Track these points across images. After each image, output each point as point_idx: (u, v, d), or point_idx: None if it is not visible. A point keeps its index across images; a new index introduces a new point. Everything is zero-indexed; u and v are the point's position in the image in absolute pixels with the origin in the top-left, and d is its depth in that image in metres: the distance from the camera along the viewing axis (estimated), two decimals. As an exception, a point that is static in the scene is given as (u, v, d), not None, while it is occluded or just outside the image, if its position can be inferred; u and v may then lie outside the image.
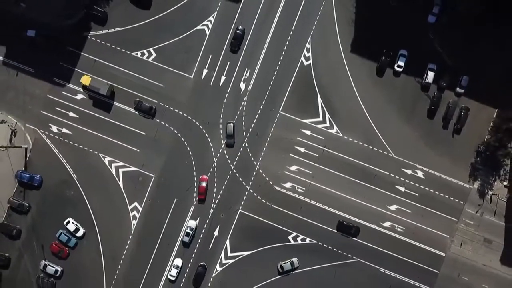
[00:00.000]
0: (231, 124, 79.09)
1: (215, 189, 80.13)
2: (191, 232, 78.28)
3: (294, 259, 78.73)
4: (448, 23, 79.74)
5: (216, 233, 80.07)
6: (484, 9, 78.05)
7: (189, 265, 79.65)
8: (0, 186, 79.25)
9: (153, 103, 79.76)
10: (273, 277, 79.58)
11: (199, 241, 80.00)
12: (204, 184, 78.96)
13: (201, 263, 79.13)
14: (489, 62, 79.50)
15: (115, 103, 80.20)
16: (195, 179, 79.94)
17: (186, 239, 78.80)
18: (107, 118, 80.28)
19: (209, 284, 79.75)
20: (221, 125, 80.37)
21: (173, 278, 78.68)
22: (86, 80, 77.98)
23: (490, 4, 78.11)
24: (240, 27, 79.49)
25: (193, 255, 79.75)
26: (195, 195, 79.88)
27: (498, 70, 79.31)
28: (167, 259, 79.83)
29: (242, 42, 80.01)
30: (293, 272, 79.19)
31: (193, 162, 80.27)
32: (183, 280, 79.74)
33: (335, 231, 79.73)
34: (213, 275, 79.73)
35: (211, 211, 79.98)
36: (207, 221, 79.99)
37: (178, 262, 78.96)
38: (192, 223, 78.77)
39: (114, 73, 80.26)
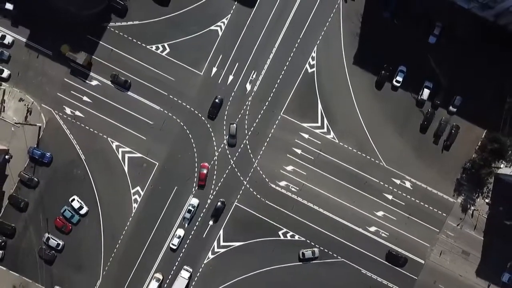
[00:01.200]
0: (234, 125, 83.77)
1: (213, 181, 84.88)
2: (192, 209, 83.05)
3: (316, 249, 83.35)
4: (447, 45, 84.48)
5: (211, 222, 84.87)
6: (481, 36, 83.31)
7: (183, 250, 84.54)
8: (13, 160, 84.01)
9: (128, 77, 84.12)
10: (262, 268, 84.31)
11: (194, 228, 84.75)
12: (205, 171, 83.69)
13: (221, 199, 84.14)
14: (483, 86, 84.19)
15: (129, 92, 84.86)
16: (196, 170, 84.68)
17: (188, 215, 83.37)
18: (119, 105, 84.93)
19: (200, 270, 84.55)
20: (225, 122, 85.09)
21: (174, 247, 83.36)
22: (64, 48, 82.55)
23: (486, 32, 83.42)
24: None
25: (187, 241, 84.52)
26: (194, 184, 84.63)
27: (490, 94, 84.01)
28: (164, 240, 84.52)
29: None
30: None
31: (196, 154, 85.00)
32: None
33: (323, 230, 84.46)
34: (204, 261, 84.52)
35: (209, 201, 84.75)
36: (204, 211, 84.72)
37: (180, 232, 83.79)
38: (195, 201, 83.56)
39: (129, 63, 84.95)
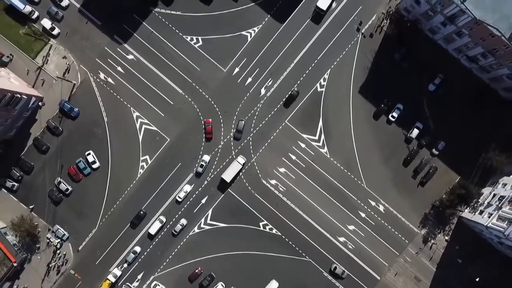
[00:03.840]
0: (242, 121, 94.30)
1: (214, 166, 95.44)
2: (204, 165, 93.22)
3: (346, 272, 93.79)
4: (443, 95, 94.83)
5: (203, 201, 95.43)
6: (478, 94, 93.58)
7: (174, 219, 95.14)
8: (45, 108, 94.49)
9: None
10: (236, 251, 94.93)
11: (187, 203, 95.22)
12: (210, 125, 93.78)
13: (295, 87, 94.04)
14: (466, 138, 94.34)
15: (157, 71, 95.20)
16: (201, 153, 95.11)
17: (200, 170, 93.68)
18: (147, 81, 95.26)
19: (184, 240, 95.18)
20: (235, 117, 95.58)
21: (180, 199, 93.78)
22: None
23: (479, 91, 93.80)
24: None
25: (179, 213, 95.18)
26: (197, 165, 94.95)
27: (471, 146, 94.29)
28: (159, 207, 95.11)
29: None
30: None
31: (203, 140, 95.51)
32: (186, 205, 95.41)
33: (298, 230, 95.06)
34: (190, 234, 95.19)
35: (205, 182, 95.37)
36: (200, 190, 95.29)
37: (185, 190, 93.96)
38: (206, 157, 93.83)
39: (163, 47, 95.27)
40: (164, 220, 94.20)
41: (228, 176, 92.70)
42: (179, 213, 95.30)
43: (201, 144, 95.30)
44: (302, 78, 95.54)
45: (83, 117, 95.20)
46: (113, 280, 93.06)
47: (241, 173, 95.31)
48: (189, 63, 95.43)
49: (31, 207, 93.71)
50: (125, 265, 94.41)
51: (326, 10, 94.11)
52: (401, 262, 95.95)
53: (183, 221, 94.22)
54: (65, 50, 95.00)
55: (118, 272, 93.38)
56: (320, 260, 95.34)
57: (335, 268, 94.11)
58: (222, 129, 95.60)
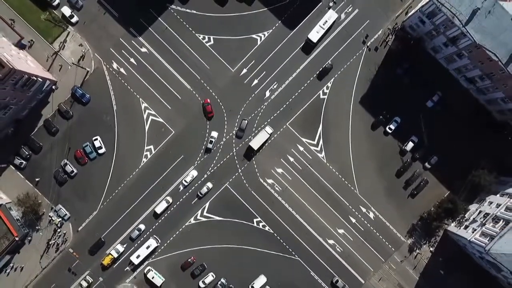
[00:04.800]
0: (245, 121, 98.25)
1: (214, 161, 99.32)
2: (213, 140, 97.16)
3: (347, 286, 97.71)
4: (440, 112, 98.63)
5: (202, 192, 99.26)
6: (473, 114, 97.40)
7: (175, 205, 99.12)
8: (58, 91, 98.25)
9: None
10: (231, 244, 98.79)
11: (186, 194, 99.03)
12: (209, 105, 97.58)
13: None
14: (459, 155, 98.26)
15: (168, 65, 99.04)
16: (203, 147, 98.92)
17: (210, 146, 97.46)
18: (158, 74, 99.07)
19: (180, 230, 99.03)
20: (239, 116, 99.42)
21: (186, 183, 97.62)
22: None
23: (475, 111, 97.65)
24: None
25: (180, 200, 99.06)
26: (198, 158, 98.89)
27: (462, 163, 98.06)
28: (157, 197, 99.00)
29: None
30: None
31: (207, 135, 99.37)
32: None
33: (290, 229, 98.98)
34: (186, 224, 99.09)
35: (205, 176, 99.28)
36: (199, 182, 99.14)
37: (194, 173, 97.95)
38: (215, 133, 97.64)
39: (176, 43, 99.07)
40: (171, 200, 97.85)
41: (255, 144, 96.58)
42: (175, 206, 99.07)
43: (204, 140, 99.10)
44: (306, 84, 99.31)
45: (94, 104, 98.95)
46: (115, 255, 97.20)
47: (240, 170, 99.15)
48: (200, 61, 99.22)
49: (37, 179, 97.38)
50: (121, 248, 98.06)
51: (316, 42, 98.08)
52: (386, 268, 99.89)
53: (209, 184, 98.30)
54: (81, 38, 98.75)
55: (121, 248, 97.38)
56: (308, 260, 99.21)
57: (337, 281, 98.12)
58: (226, 126, 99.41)
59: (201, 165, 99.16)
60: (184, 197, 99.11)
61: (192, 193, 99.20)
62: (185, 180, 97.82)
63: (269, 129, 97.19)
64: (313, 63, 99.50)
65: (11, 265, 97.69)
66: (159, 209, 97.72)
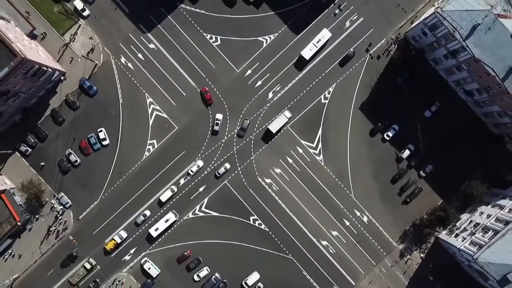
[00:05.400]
0: (247, 121, 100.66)
1: (215, 158, 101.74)
2: (219, 122, 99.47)
3: None
4: (437, 122, 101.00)
5: (201, 189, 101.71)
6: (469, 126, 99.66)
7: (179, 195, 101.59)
8: (66, 82, 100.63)
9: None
10: (226, 240, 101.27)
11: (185, 190, 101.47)
12: (207, 93, 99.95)
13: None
14: (453, 165, 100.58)
15: (175, 62, 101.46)
16: (205, 143, 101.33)
17: (217, 128, 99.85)
18: (164, 70, 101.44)
19: (178, 223, 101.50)
20: (241, 116, 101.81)
21: (192, 173, 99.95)
22: None
23: (472, 123, 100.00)
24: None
25: (174, 199, 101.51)
26: (199, 155, 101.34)
27: (456, 173, 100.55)
28: (157, 191, 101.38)
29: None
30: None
31: (209, 132, 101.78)
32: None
33: (285, 229, 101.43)
34: (184, 218, 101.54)
35: (205, 172, 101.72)
36: (199, 178, 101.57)
37: (198, 164, 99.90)
38: (219, 115, 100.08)
39: (183, 40, 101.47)
40: (175, 189, 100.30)
41: (274, 127, 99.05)
42: (175, 199, 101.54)
43: (206, 136, 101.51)
44: (308, 87, 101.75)
45: (100, 96, 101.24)
46: (118, 240, 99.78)
47: (239, 168, 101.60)
48: (206, 60, 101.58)
49: (42, 164, 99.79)
50: (124, 234, 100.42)
51: (309, 60, 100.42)
52: (377, 271, 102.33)
53: (227, 164, 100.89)
54: (92, 31, 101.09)
55: (124, 234, 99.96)
56: (301, 260, 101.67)
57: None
58: (228, 125, 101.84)
59: (205, 158, 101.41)
60: (180, 194, 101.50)
61: (191, 191, 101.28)
62: (191, 170, 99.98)
63: (288, 113, 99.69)
64: (316, 68, 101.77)
65: (11, 250, 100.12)
66: (163, 198, 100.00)
